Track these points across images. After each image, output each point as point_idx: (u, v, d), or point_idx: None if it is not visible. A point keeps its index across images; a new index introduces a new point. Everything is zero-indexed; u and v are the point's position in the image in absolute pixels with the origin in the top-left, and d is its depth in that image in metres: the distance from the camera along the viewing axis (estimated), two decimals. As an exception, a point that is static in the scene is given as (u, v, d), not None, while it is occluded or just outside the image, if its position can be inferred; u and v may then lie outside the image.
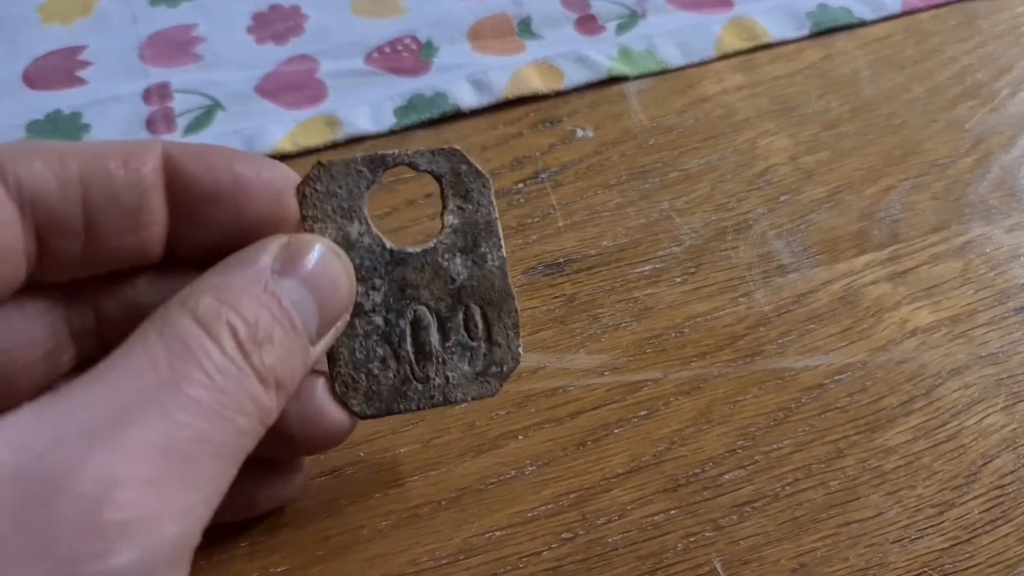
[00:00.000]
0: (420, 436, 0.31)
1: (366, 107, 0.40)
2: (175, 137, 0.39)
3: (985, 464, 0.31)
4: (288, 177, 0.23)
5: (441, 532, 0.29)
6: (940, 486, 0.30)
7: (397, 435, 0.31)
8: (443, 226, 0.25)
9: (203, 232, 0.23)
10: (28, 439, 0.17)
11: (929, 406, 0.32)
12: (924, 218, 0.37)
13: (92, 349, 0.24)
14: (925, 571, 0.29)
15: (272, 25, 0.44)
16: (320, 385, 0.25)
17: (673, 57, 0.43)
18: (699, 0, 0.45)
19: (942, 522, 0.30)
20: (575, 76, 0.42)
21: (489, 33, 0.44)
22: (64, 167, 0.21)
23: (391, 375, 0.25)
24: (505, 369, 0.25)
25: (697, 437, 0.31)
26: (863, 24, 0.45)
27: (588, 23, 0.44)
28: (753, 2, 0.45)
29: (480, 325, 0.25)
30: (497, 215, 0.25)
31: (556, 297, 0.34)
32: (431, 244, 0.25)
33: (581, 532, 0.29)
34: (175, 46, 0.43)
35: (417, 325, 0.24)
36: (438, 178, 0.25)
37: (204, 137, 0.39)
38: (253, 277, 0.21)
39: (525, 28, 0.44)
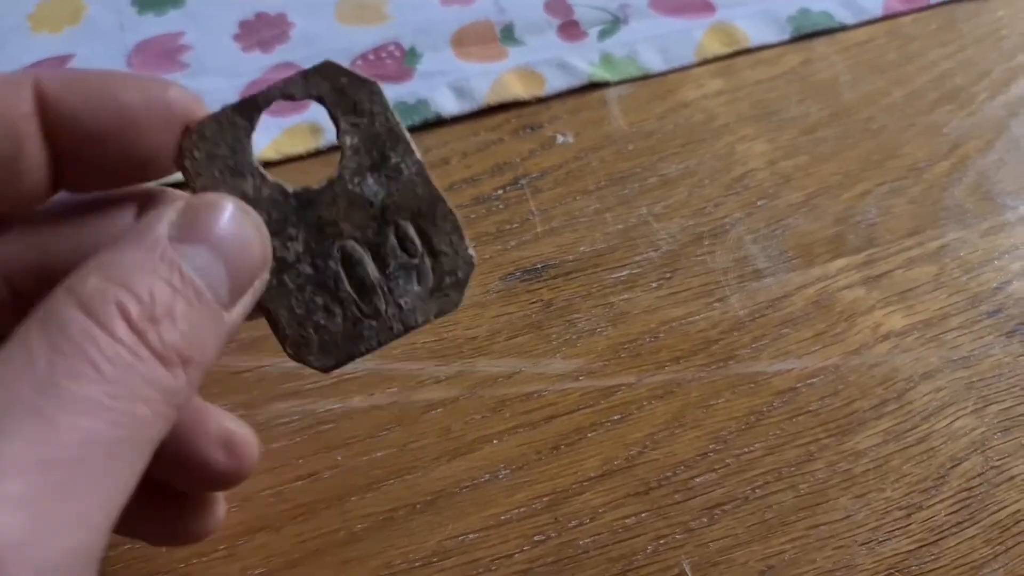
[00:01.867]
0: (396, 440, 0.32)
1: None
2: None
3: (954, 467, 0.31)
4: (185, 99, 0.21)
5: (416, 535, 0.30)
6: (908, 489, 0.31)
7: (374, 439, 0.32)
8: (342, 150, 0.22)
9: (95, 172, 0.21)
10: None
11: (900, 409, 0.33)
12: (900, 222, 0.38)
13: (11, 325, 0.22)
14: (892, 573, 0.29)
15: (258, 32, 0.45)
16: (211, 421, 0.24)
17: (654, 63, 0.43)
18: (681, 5, 0.46)
19: (909, 524, 0.30)
20: (556, 82, 0.42)
21: (472, 40, 0.44)
22: None
23: (339, 321, 0.23)
24: (460, 275, 0.23)
25: (669, 441, 0.32)
26: (844, 28, 0.45)
27: (571, 29, 0.45)
28: (735, 7, 0.46)
29: (417, 240, 0.23)
30: (398, 119, 0.22)
31: (533, 303, 0.35)
32: (336, 173, 0.22)
33: (553, 535, 0.30)
34: (162, 54, 0.44)
35: (348, 261, 0.23)
36: (321, 101, 0.22)
37: (188, 145, 0.39)
38: (148, 248, 0.19)
39: (508, 34, 0.44)
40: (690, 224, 0.37)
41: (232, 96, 0.42)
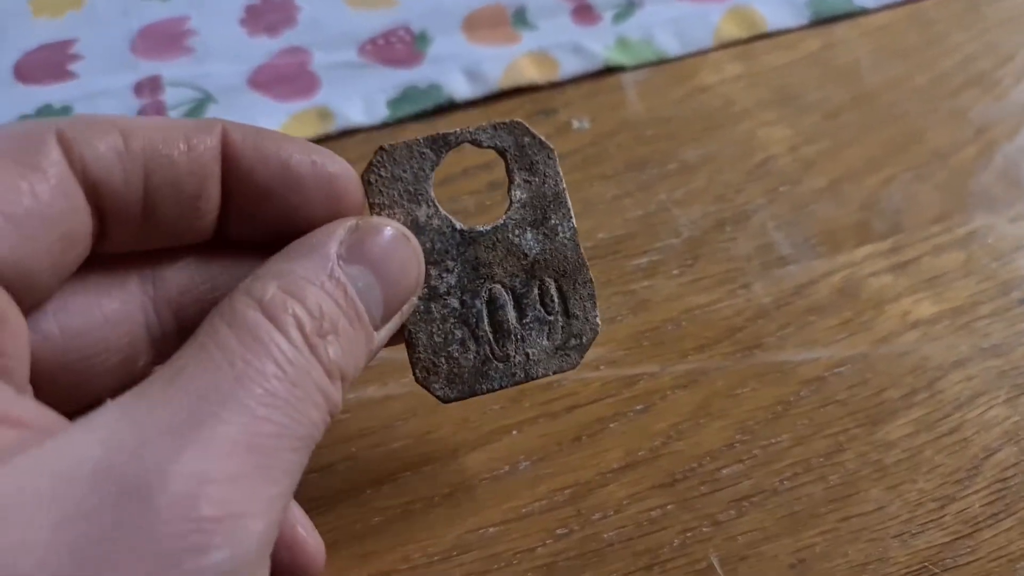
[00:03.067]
0: (413, 431, 0.31)
1: (359, 99, 0.40)
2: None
3: (987, 457, 0.30)
4: (342, 170, 0.22)
5: (434, 528, 0.29)
6: (941, 480, 0.30)
7: (390, 429, 0.31)
8: (511, 201, 0.24)
9: (255, 221, 0.22)
10: (117, 436, 0.16)
11: (931, 399, 0.32)
12: (926, 208, 0.37)
13: (169, 352, 0.23)
14: (926, 566, 0.28)
15: (265, 17, 0.44)
16: (294, 511, 0.24)
17: (671, 47, 0.42)
18: (697, -11, 0.45)
19: (943, 516, 0.29)
20: (571, 67, 0.41)
21: (484, 23, 0.43)
22: (129, 151, 0.20)
23: (471, 356, 0.24)
24: (584, 340, 0.25)
25: (694, 431, 0.31)
26: (864, 12, 0.44)
27: (585, 13, 0.44)
28: (752, -9, 0.45)
29: (556, 299, 0.24)
30: (564, 185, 0.24)
31: (551, 290, 0.34)
32: (501, 221, 0.24)
33: (576, 528, 0.29)
34: (167, 39, 0.43)
35: (493, 304, 0.24)
36: (502, 153, 0.24)
37: (195, 130, 0.38)
38: (319, 264, 0.20)
39: (520, 18, 0.43)
40: (711, 210, 0.36)
41: (237, 80, 0.41)
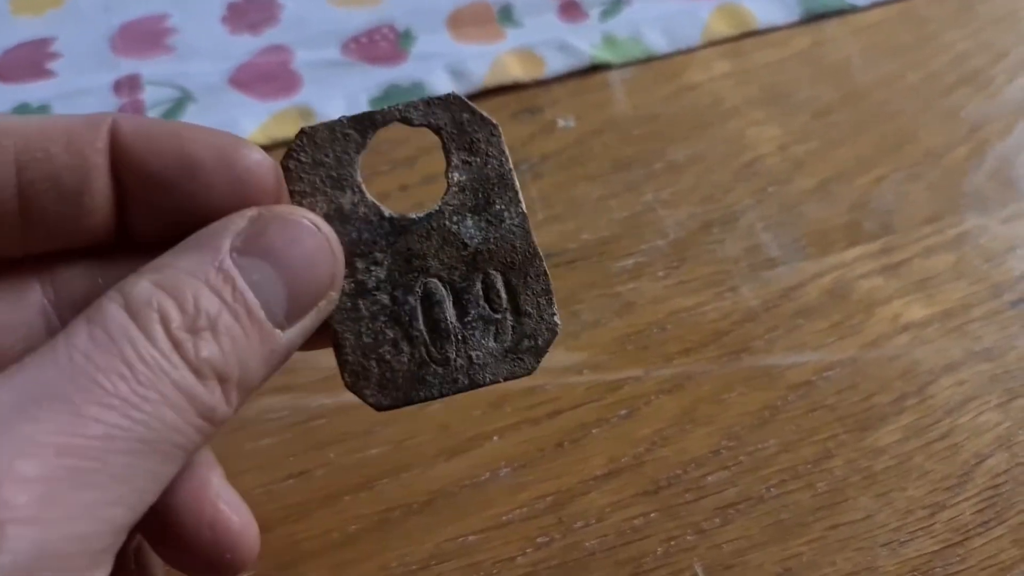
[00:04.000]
0: (391, 437, 0.30)
1: (341, 98, 0.39)
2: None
3: (978, 464, 0.30)
4: (251, 157, 0.21)
5: (412, 536, 0.28)
6: (931, 487, 0.29)
7: (368, 435, 0.30)
8: (448, 185, 0.22)
9: (156, 218, 0.21)
10: None
11: (921, 404, 0.31)
12: (917, 209, 0.36)
13: None
14: (915, 575, 0.28)
15: (247, 15, 0.43)
16: (218, 488, 0.22)
17: (659, 44, 0.42)
18: (687, -14, 0.44)
19: (933, 524, 0.29)
20: (557, 64, 0.40)
21: (469, 21, 0.42)
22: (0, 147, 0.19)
23: (405, 359, 0.22)
24: (540, 342, 0.22)
25: (679, 437, 0.30)
26: (855, 9, 0.44)
27: (571, 10, 0.43)
28: (742, -12, 0.44)
29: (503, 294, 0.22)
30: (511, 166, 0.22)
31: (534, 292, 0.33)
32: (436, 207, 0.22)
33: (557, 536, 0.28)
34: (147, 37, 0.42)
35: (429, 300, 0.22)
36: (437, 131, 0.22)
37: (174, 129, 0.38)
38: (206, 257, 0.19)
39: (506, 15, 0.43)
40: (698, 211, 0.36)
41: (218, 79, 0.40)
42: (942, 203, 0.36)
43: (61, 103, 0.39)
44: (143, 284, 0.18)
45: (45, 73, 0.41)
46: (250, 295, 0.19)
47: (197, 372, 0.18)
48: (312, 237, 0.20)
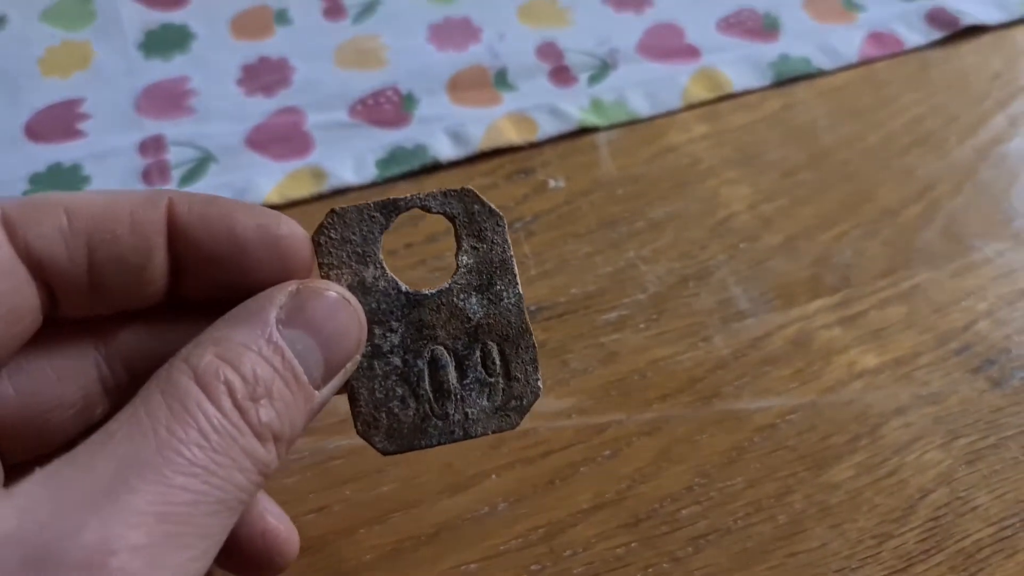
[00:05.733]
0: (401, 476, 0.34)
1: (350, 159, 0.43)
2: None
3: (922, 498, 0.34)
4: (290, 232, 0.23)
5: (421, 565, 0.32)
6: (880, 518, 0.33)
7: (381, 474, 0.34)
8: (458, 266, 0.25)
9: (206, 285, 0.24)
10: (33, 506, 0.18)
11: (872, 444, 0.35)
12: (874, 263, 0.40)
13: (124, 402, 0.25)
14: (865, 599, 0.31)
15: (261, 77, 0.47)
16: (264, 502, 0.26)
17: (642, 107, 0.45)
18: (668, 51, 0.48)
19: (881, 552, 0.32)
20: (548, 127, 0.44)
21: (467, 84, 0.46)
22: (72, 229, 0.22)
23: (411, 413, 0.25)
24: (525, 402, 0.25)
25: (657, 475, 0.34)
26: (822, 73, 0.48)
27: (562, 74, 0.47)
28: (719, 52, 0.48)
29: (498, 362, 0.25)
30: (512, 253, 0.25)
31: (528, 343, 0.37)
32: (446, 285, 0.25)
33: (549, 564, 0.32)
34: (169, 99, 0.46)
35: (435, 364, 0.25)
36: (452, 219, 0.25)
37: (198, 189, 0.41)
38: (257, 330, 0.21)
39: (501, 79, 0.46)
40: (676, 267, 0.39)
41: (235, 140, 0.44)
42: (896, 258, 0.40)
43: (92, 163, 0.43)
44: (208, 357, 0.20)
45: (76, 133, 0.44)
46: (296, 364, 0.22)
47: (259, 436, 0.21)
48: (344, 310, 0.23)
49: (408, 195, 0.25)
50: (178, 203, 0.23)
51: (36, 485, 0.18)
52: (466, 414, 0.25)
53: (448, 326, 0.25)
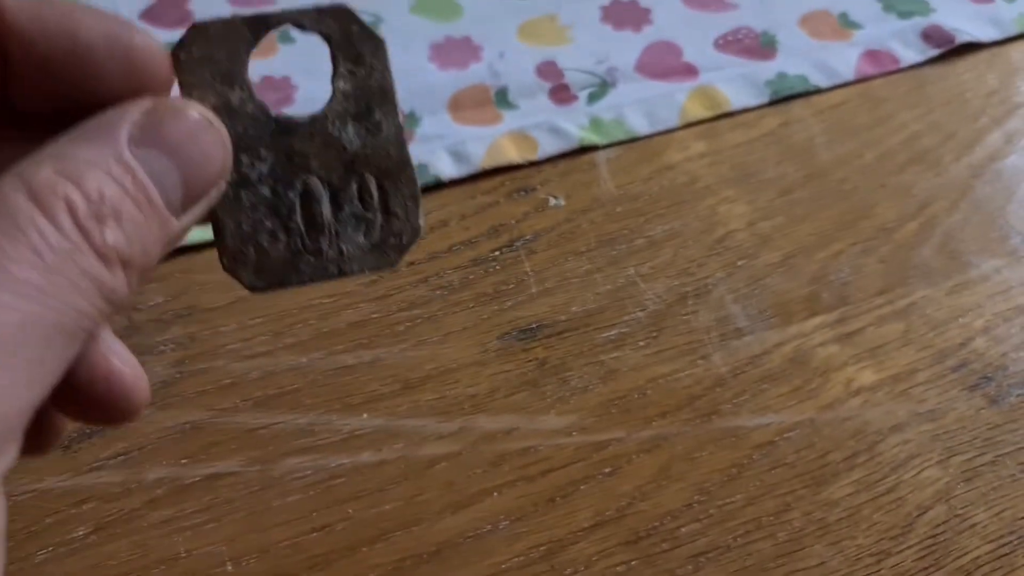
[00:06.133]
0: (404, 494, 0.34)
1: (353, 178, 0.43)
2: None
3: (920, 515, 0.34)
4: (144, 43, 0.21)
5: (423, 583, 0.32)
6: (879, 536, 0.33)
7: (383, 492, 0.34)
8: (333, 92, 0.23)
9: (43, 95, 0.21)
10: None
11: (870, 461, 0.35)
12: (871, 281, 0.40)
13: None
14: (863, 616, 0.32)
15: (264, 95, 0.47)
16: (109, 343, 0.23)
17: (641, 126, 0.46)
18: (666, 69, 0.48)
19: (880, 570, 0.33)
20: (549, 146, 0.45)
21: (468, 103, 0.47)
22: None
23: (281, 248, 0.23)
24: (404, 240, 0.23)
25: (657, 493, 0.34)
26: (819, 91, 0.48)
27: (561, 92, 0.47)
28: (716, 71, 0.49)
29: (375, 195, 0.23)
30: (393, 80, 0.23)
31: (529, 361, 0.37)
32: (320, 112, 0.23)
33: (550, 583, 0.32)
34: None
35: (308, 196, 0.23)
36: (327, 40, 0.23)
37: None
38: (106, 148, 0.19)
39: (502, 98, 0.47)
40: (675, 284, 0.40)
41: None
42: (893, 275, 0.41)
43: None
44: (45, 172, 0.18)
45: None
46: (150, 185, 0.19)
47: (104, 258, 0.19)
48: (207, 131, 0.21)
49: (280, 9, 0.23)
50: (11, 1, 0.20)
51: None
52: (341, 250, 0.23)
53: (322, 156, 0.23)
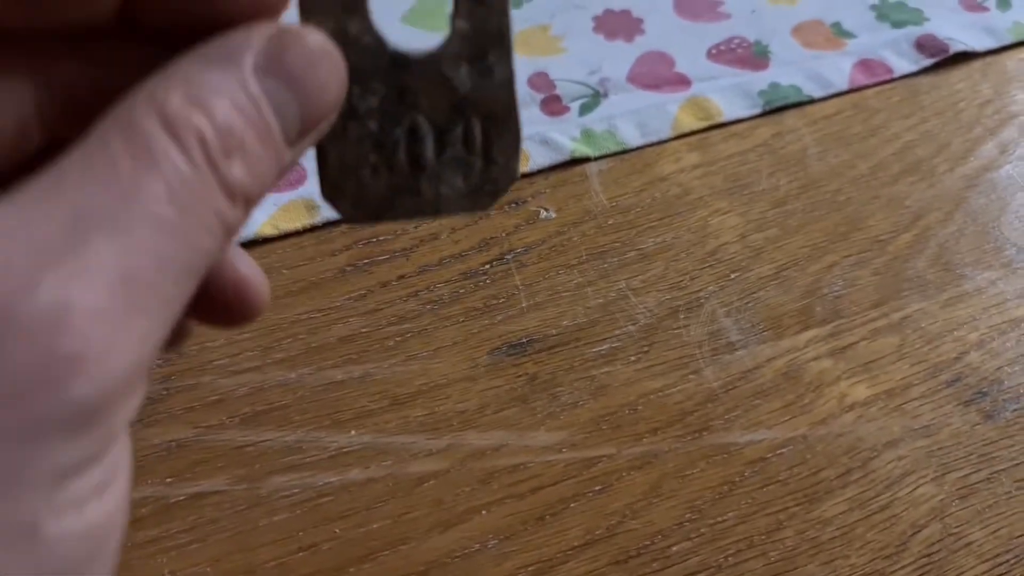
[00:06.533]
0: (391, 512, 0.33)
1: (342, 191, 0.43)
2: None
3: (915, 534, 0.33)
4: None
5: (410, 604, 0.32)
6: (872, 555, 0.33)
7: (370, 511, 0.34)
8: (452, 31, 0.23)
9: (164, 8, 0.21)
10: None
11: (864, 478, 0.35)
12: (865, 294, 0.40)
13: (63, 130, 0.22)
14: (856, 637, 0.31)
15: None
16: (238, 256, 0.23)
17: (632, 137, 0.46)
18: (658, 80, 0.48)
19: (873, 590, 0.32)
20: (540, 158, 0.44)
21: (459, 115, 0.46)
22: None
23: (382, 183, 0.23)
24: (500, 186, 0.23)
25: (648, 510, 0.34)
26: (812, 101, 0.48)
27: (553, 104, 0.47)
28: (709, 81, 0.48)
29: (479, 140, 0.23)
30: (511, 24, 0.23)
31: (519, 376, 0.37)
32: (436, 50, 0.23)
33: (539, 603, 0.32)
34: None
35: (414, 135, 0.23)
36: None
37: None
38: (231, 75, 0.19)
39: (493, 109, 0.46)
40: (666, 298, 0.39)
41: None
42: (887, 288, 0.40)
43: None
44: (178, 98, 0.18)
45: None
46: (273, 117, 0.19)
47: (230, 194, 0.18)
48: (327, 62, 0.21)
49: None
50: None
51: None
52: (438, 192, 0.23)
53: (432, 95, 0.23)
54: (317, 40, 0.20)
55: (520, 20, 0.51)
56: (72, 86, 0.21)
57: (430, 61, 0.23)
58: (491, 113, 0.23)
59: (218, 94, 0.18)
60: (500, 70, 0.23)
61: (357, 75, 0.22)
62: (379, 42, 0.22)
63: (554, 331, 0.38)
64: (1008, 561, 0.33)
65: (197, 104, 0.18)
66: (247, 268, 0.24)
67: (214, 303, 0.23)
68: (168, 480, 0.34)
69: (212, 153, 0.18)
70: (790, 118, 0.47)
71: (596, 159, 0.45)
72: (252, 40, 0.19)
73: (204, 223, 0.18)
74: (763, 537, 0.33)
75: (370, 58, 0.22)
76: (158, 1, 0.20)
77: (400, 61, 0.22)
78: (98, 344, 0.16)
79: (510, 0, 0.23)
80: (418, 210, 0.23)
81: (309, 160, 0.24)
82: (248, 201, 0.19)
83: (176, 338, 0.25)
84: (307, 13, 0.22)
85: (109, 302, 0.16)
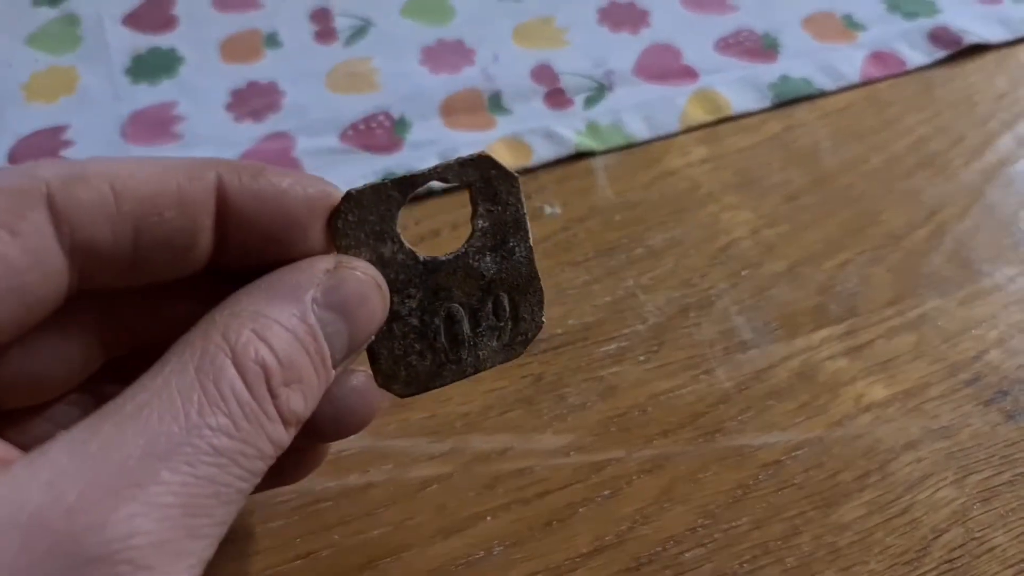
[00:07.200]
0: (393, 518, 0.32)
1: (340, 185, 0.41)
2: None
3: (936, 538, 0.32)
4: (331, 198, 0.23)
5: (412, 614, 0.31)
6: (892, 561, 0.32)
7: (371, 517, 0.32)
8: (473, 230, 0.25)
9: (247, 256, 0.23)
10: (59, 482, 0.17)
11: (882, 481, 0.33)
12: (880, 291, 0.39)
13: (124, 353, 0.24)
14: (877, 647, 0.30)
15: (250, 102, 0.45)
16: (357, 380, 0.25)
17: (639, 131, 0.44)
18: (665, 72, 0.47)
19: (894, 598, 0.31)
20: (544, 152, 0.43)
21: (460, 108, 0.45)
22: (120, 213, 0.21)
23: (428, 363, 0.26)
24: (529, 335, 0.27)
25: (659, 516, 0.32)
26: (823, 94, 0.46)
27: (557, 97, 0.46)
28: (717, 73, 0.47)
29: (507, 308, 0.26)
30: (525, 210, 0.26)
31: (524, 377, 0.36)
32: (463, 249, 0.25)
33: (547, 613, 0.30)
34: (156, 125, 0.44)
35: (450, 320, 0.26)
36: (468, 187, 0.25)
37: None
38: (294, 308, 0.21)
39: (496, 103, 0.45)
40: (676, 296, 0.38)
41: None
42: (903, 285, 0.39)
43: (76, 191, 0.42)
44: (246, 334, 0.20)
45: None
46: (326, 348, 0.22)
47: (286, 423, 0.20)
48: (376, 294, 0.23)
49: (424, 169, 0.25)
50: (227, 178, 0.22)
51: (62, 456, 0.18)
52: (478, 356, 0.26)
53: (464, 286, 0.26)
54: (369, 274, 0.23)
55: (524, 12, 0.49)
56: (136, 317, 0.24)
57: (457, 259, 0.25)
58: (516, 285, 0.26)
59: (282, 327, 0.20)
60: (520, 249, 0.26)
61: (396, 287, 0.25)
62: (411, 255, 0.25)
63: (560, 330, 0.37)
64: (1034, 567, 0.32)
65: (263, 339, 0.20)
66: (356, 383, 0.25)
67: (337, 414, 0.25)
68: (160, 485, 0.32)
69: (274, 388, 0.20)
70: (801, 111, 0.46)
71: (602, 153, 0.43)
72: (313, 275, 0.22)
73: (260, 450, 0.20)
74: (779, 543, 0.32)
75: (405, 271, 0.25)
76: (242, 254, 0.23)
77: (431, 266, 0.25)
78: (156, 572, 0.18)
79: (521, 190, 0.25)
80: (461, 373, 0.26)
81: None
82: (299, 424, 0.21)
83: (301, 470, 0.28)
84: (344, 250, 0.24)
85: (171, 533, 0.18)
